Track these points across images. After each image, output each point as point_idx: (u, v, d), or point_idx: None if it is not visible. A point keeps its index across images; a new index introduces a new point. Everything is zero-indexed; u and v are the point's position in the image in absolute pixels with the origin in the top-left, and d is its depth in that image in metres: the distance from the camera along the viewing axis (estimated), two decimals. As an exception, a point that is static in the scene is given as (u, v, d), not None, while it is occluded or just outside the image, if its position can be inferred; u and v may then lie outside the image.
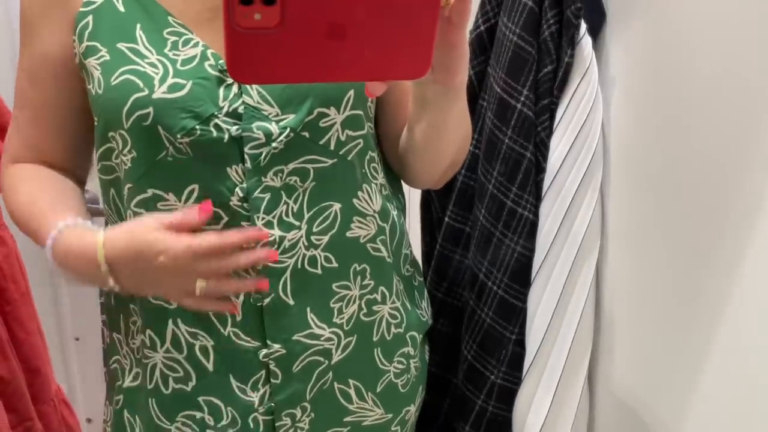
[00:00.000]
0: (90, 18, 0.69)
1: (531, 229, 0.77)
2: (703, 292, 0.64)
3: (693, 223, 0.64)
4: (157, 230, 0.62)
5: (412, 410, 0.80)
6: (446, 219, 0.87)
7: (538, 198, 0.77)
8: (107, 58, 0.67)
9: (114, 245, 0.64)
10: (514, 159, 0.77)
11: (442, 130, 0.66)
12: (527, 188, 0.77)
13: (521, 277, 0.78)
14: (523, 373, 0.78)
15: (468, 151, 0.81)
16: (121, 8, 0.68)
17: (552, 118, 0.76)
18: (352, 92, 0.69)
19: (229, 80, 0.67)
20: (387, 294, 0.76)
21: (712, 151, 0.62)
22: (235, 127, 0.66)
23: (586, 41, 0.74)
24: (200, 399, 0.73)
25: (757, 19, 0.56)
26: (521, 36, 0.76)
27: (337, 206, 0.71)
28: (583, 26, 0.74)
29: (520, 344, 0.79)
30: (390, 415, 0.78)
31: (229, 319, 0.71)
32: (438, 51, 0.50)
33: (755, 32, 0.56)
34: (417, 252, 0.86)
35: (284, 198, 0.69)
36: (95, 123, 0.71)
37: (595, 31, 0.77)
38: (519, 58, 0.76)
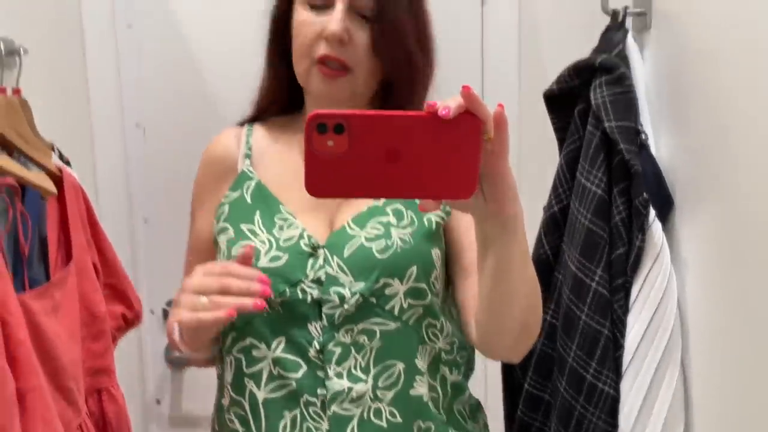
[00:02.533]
0: (226, 207, 0.89)
1: (612, 405, 0.79)
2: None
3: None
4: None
5: None
6: (526, 385, 0.90)
7: (618, 374, 0.79)
8: (232, 235, 0.86)
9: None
10: (592, 335, 0.81)
11: (507, 272, 0.67)
12: (606, 364, 0.80)
13: (605, 454, 0.79)
14: None
15: (544, 321, 0.87)
16: (249, 200, 0.88)
17: (627, 296, 0.81)
18: (414, 268, 0.80)
19: (317, 254, 0.81)
20: None
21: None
22: (316, 291, 0.80)
23: (656, 226, 0.79)
24: None
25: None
26: (593, 221, 0.82)
27: (400, 365, 0.81)
28: (652, 213, 0.79)
29: None
30: None
31: None
32: (486, 180, 0.58)
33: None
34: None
35: (353, 353, 0.80)
36: None
37: (664, 216, 0.82)
38: (592, 240, 0.82)
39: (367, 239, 0.82)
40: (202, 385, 1.58)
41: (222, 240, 0.87)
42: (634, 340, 0.78)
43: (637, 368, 0.78)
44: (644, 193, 0.79)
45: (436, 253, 0.83)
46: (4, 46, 1.00)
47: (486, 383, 1.51)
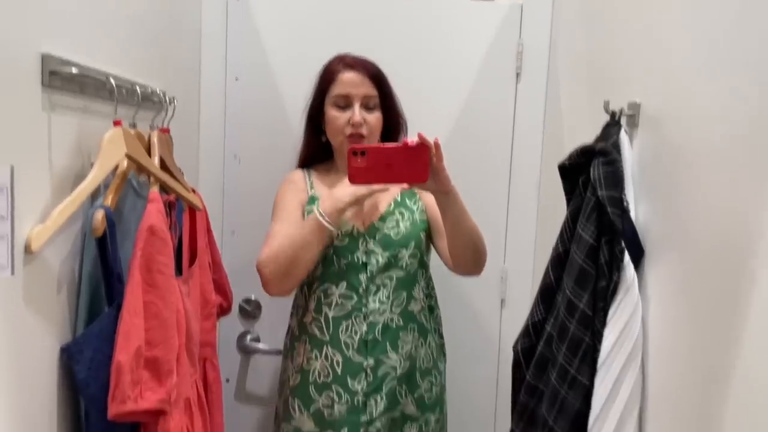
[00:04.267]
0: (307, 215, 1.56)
1: (587, 392, 1.11)
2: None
3: (704, 385, 0.96)
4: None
5: (432, 418, 1.59)
6: (528, 378, 1.23)
7: (593, 370, 1.11)
8: None
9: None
10: (576, 341, 1.13)
11: (456, 222, 1.44)
12: (585, 362, 1.12)
13: (578, 427, 1.10)
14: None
15: (545, 331, 1.19)
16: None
17: (605, 316, 1.13)
18: (413, 242, 1.55)
19: (363, 237, 1.54)
20: (424, 344, 1.58)
21: (728, 338, 0.94)
22: (364, 257, 1.53)
23: (629, 268, 1.11)
24: (333, 386, 1.51)
25: None
26: (585, 261, 1.15)
27: (404, 294, 1.55)
28: (627, 258, 1.12)
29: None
30: (418, 413, 1.57)
31: (351, 347, 1.50)
32: (433, 173, 1.31)
33: None
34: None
35: (381, 289, 1.53)
36: None
37: (637, 261, 1.15)
38: (584, 274, 1.15)
39: (386, 229, 1.55)
40: (262, 372, 1.93)
41: None
42: (608, 346, 1.10)
43: (608, 366, 1.09)
44: (622, 243, 1.12)
45: (423, 234, 1.58)
46: (167, 97, 1.36)
47: (497, 392, 1.83)
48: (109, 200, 1.01)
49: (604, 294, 1.14)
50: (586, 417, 1.10)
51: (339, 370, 1.50)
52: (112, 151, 1.01)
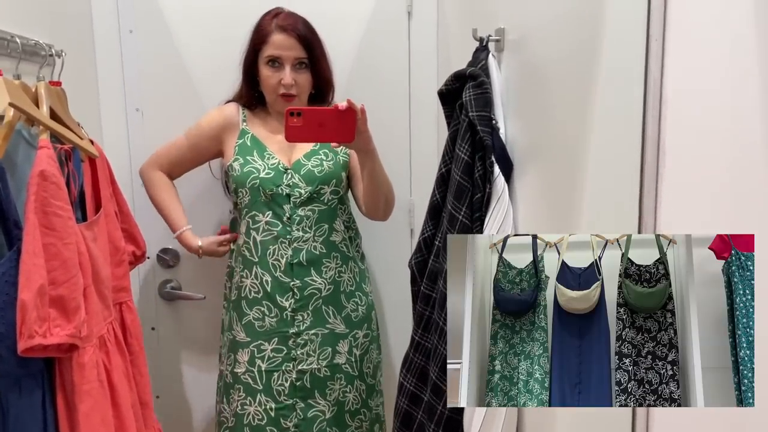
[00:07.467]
0: (237, 147, 1.74)
1: (470, 293, 1.23)
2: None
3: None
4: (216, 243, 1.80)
5: (360, 333, 1.79)
6: (422, 289, 1.34)
7: (474, 273, 1.23)
8: (242, 161, 1.71)
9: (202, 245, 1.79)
10: (459, 250, 1.25)
11: (373, 176, 1.64)
12: (467, 267, 1.24)
13: (465, 323, 1.23)
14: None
15: (434, 246, 1.31)
16: (249, 144, 1.73)
17: (482, 224, 1.25)
18: (334, 180, 1.72)
19: (288, 172, 1.71)
20: (347, 270, 1.77)
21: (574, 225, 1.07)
22: (288, 189, 1.69)
23: (500, 180, 1.23)
24: (263, 302, 1.71)
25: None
26: (462, 177, 1.26)
27: (326, 225, 1.73)
28: (497, 171, 1.23)
29: (467, 368, 1.23)
30: (347, 330, 1.77)
31: (278, 269, 1.70)
32: (358, 133, 1.46)
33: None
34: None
35: (305, 220, 1.70)
36: (233, 186, 1.74)
37: (508, 173, 1.26)
38: (461, 189, 1.26)
39: (311, 166, 1.71)
40: (187, 319, 2.00)
41: (236, 165, 1.71)
42: (484, 251, 1.22)
43: (486, 269, 1.22)
44: (492, 158, 1.23)
45: (344, 174, 1.75)
46: (54, 51, 1.38)
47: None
48: (-4, 148, 1.04)
49: (479, 205, 1.25)
50: (467, 314, 1.23)
51: (269, 288, 1.70)
52: (-7, 100, 1.04)
